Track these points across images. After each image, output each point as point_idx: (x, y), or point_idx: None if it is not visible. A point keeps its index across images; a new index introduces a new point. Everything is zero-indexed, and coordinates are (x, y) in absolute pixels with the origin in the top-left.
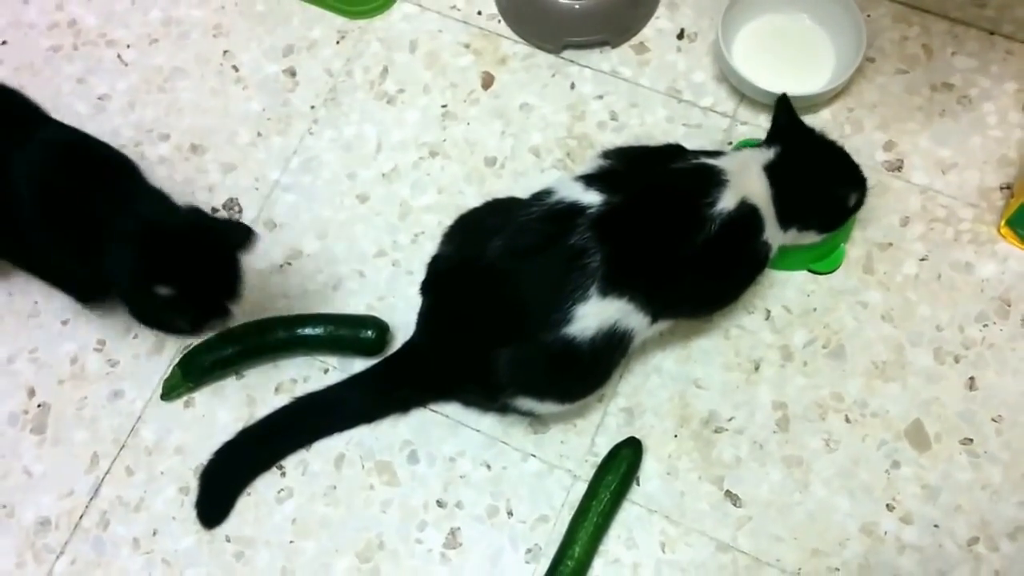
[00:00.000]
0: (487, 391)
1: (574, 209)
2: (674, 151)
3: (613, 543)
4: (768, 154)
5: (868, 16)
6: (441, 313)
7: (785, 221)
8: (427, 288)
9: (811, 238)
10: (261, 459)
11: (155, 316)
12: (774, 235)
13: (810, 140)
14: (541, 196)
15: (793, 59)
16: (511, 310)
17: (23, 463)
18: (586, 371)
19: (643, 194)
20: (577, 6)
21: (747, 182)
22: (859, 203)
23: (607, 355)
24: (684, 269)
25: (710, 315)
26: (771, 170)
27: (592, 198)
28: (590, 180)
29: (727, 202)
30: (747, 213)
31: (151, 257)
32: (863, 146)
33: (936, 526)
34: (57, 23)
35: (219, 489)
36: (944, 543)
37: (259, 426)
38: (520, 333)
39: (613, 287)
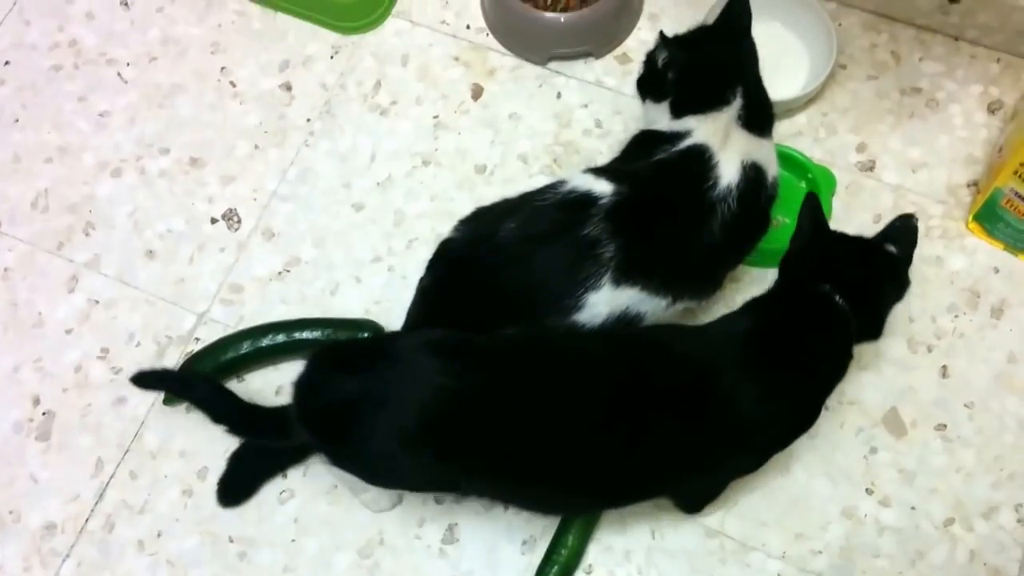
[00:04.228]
0: None
1: (588, 198)
2: (646, 140)
3: (605, 531)
4: (735, 107)
5: (839, 24)
6: (444, 290)
7: (770, 129)
8: (434, 265)
9: None
10: (291, 453)
11: None
12: (772, 160)
13: (745, 56)
14: (555, 185)
15: (768, 66)
16: (519, 292)
17: (29, 469)
18: None
19: (648, 186)
20: (562, 19)
21: (735, 145)
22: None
23: None
24: (706, 253)
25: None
26: (745, 118)
27: (604, 187)
28: (599, 172)
29: (730, 176)
30: (752, 175)
31: None
32: (837, 148)
33: (913, 508)
34: (58, 43)
35: (245, 473)
36: (921, 524)
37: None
38: (527, 315)
39: (627, 278)
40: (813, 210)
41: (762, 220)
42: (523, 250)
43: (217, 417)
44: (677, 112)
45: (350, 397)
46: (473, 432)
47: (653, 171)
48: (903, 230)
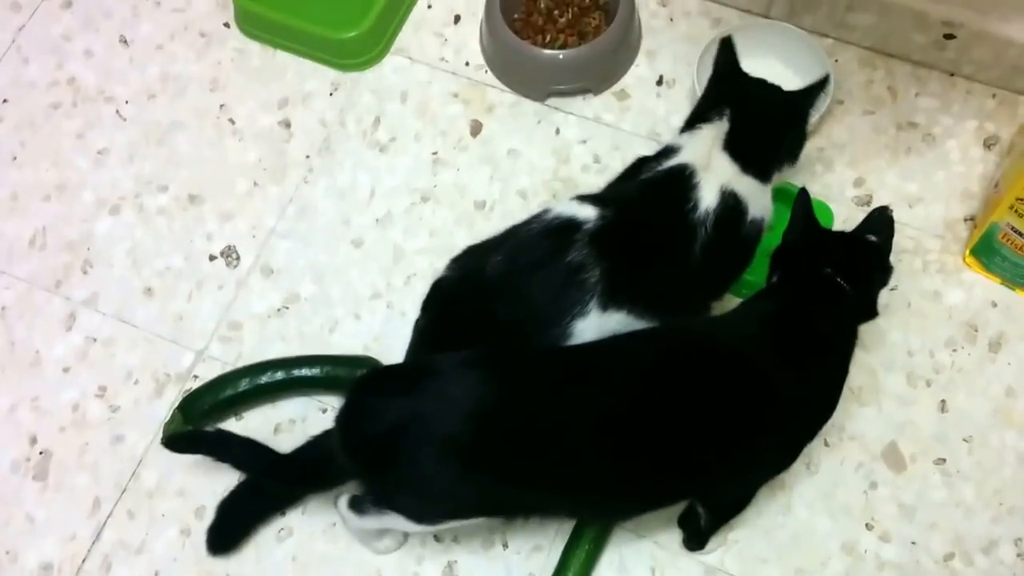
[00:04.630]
0: None
1: (572, 224)
2: (639, 165)
3: (605, 569)
4: (722, 127)
5: (836, 61)
6: (441, 329)
7: (764, 176)
8: (428, 306)
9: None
10: (284, 497)
11: None
12: (761, 204)
13: (752, 89)
14: (540, 214)
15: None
16: (511, 324)
17: (25, 509)
18: None
19: (632, 209)
20: (561, 56)
21: (716, 169)
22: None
23: None
24: (688, 277)
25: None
26: (730, 144)
27: (588, 213)
28: (584, 198)
29: (708, 200)
30: (731, 204)
31: None
32: (834, 183)
33: (913, 543)
34: (57, 81)
35: (233, 521)
36: (921, 559)
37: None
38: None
39: (614, 302)
40: (804, 205)
41: (743, 253)
42: (510, 282)
43: (257, 472)
44: (682, 128)
45: (397, 419)
46: (519, 440)
47: (638, 192)
48: (880, 221)
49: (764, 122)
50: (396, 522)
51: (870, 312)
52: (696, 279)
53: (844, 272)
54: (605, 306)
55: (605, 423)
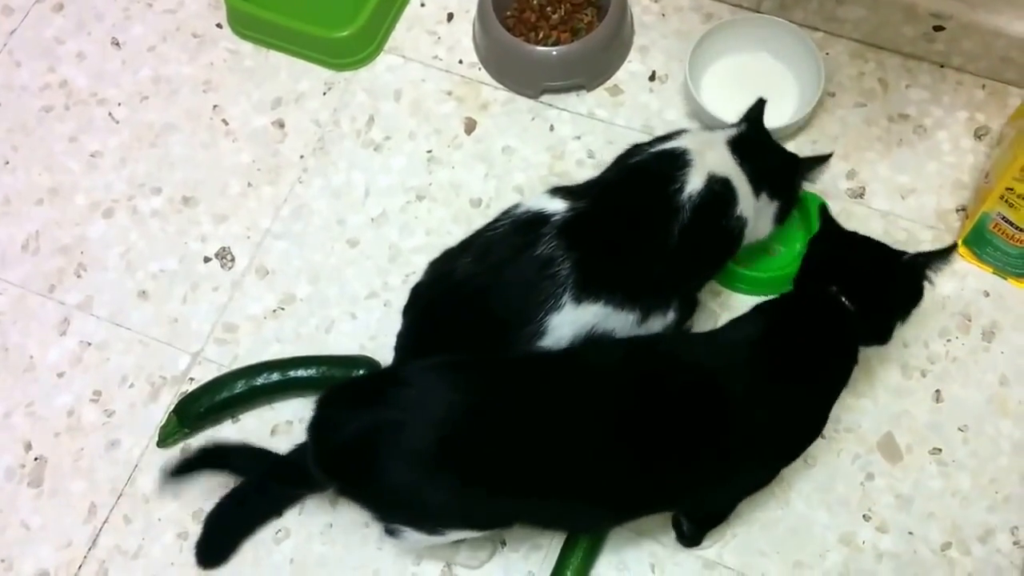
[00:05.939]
0: None
1: (539, 218)
2: (632, 151)
3: (604, 567)
4: (733, 131)
5: (827, 54)
6: (419, 333)
7: (756, 185)
8: (408, 310)
9: (771, 212)
10: (270, 507)
11: None
12: (749, 207)
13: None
14: (510, 210)
15: (758, 96)
16: (484, 324)
17: (21, 516)
18: None
19: (609, 194)
20: (554, 53)
21: (712, 157)
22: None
23: None
24: (666, 260)
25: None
26: (736, 144)
27: (557, 206)
28: (555, 191)
29: (695, 183)
30: (719, 189)
31: None
32: (827, 175)
33: (911, 533)
34: (49, 84)
35: (222, 533)
36: (919, 549)
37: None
38: (499, 348)
39: (587, 293)
40: (823, 212)
41: (726, 241)
42: (480, 283)
43: (260, 477)
44: None
45: (364, 430)
46: (491, 448)
47: (618, 177)
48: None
49: (766, 142)
50: (423, 536)
51: (881, 337)
52: (676, 264)
53: (855, 291)
54: (579, 298)
55: (574, 435)
